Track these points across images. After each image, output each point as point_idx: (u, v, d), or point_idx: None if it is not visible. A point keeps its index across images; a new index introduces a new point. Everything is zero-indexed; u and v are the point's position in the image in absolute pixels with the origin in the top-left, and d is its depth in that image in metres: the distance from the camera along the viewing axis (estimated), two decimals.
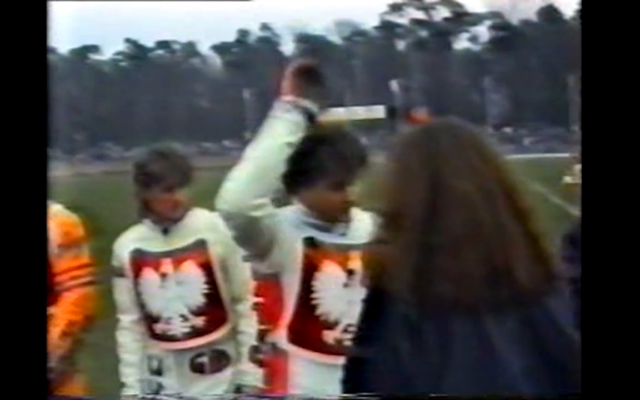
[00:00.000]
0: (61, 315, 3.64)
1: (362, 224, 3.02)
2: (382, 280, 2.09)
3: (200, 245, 3.73)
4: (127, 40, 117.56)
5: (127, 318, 3.85)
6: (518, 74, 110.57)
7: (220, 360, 3.78)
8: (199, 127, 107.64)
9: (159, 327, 3.75)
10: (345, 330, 2.98)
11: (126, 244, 3.83)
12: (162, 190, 3.64)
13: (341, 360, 2.35)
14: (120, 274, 3.83)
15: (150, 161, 3.66)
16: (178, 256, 3.73)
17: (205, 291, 3.74)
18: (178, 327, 3.72)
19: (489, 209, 2.08)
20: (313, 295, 3.03)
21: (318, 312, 3.03)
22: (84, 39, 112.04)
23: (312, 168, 3.00)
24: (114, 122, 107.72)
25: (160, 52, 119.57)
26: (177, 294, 3.72)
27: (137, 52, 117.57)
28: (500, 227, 2.08)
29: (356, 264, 2.98)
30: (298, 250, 3.00)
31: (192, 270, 3.73)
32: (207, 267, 3.73)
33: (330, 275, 3.06)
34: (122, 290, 3.83)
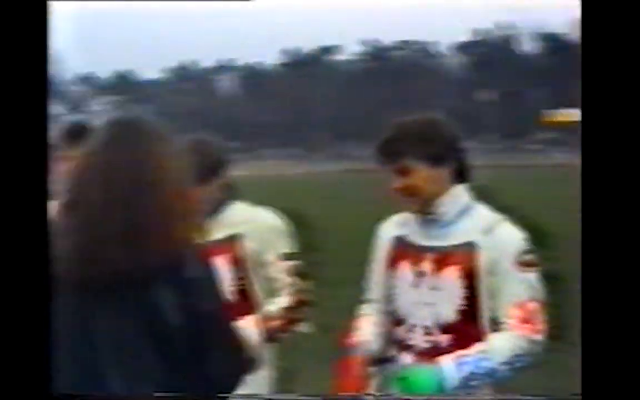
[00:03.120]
0: None
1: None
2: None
3: (234, 239, 3.68)
4: (365, 41, 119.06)
5: None
6: None
7: (249, 362, 3.52)
8: None
9: None
10: None
11: None
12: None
13: None
14: None
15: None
16: (212, 249, 3.44)
17: (235, 287, 3.65)
18: None
19: (108, 200, 2.26)
20: None
21: None
22: (322, 40, 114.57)
23: None
24: (354, 121, 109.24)
25: (398, 52, 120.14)
26: None
27: (375, 51, 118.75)
28: (112, 216, 2.24)
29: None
30: None
31: (223, 265, 3.59)
32: (238, 262, 3.68)
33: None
34: None
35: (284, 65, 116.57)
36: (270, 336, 3.60)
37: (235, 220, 3.69)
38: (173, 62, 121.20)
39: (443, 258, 3.07)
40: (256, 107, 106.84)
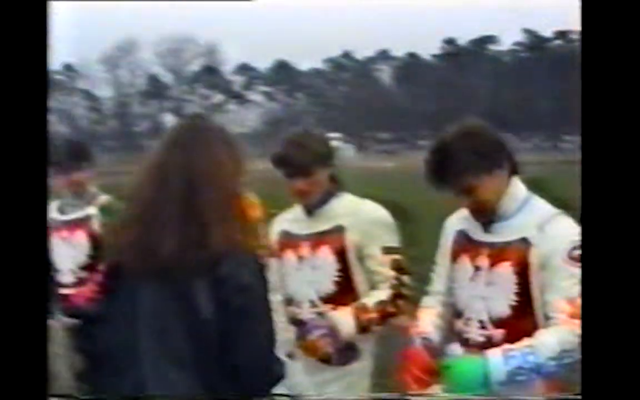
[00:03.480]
0: None
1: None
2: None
3: (338, 231, 3.73)
4: (525, 31, 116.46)
5: None
6: None
7: (347, 353, 3.71)
8: None
9: (290, 311, 3.80)
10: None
11: (278, 223, 3.97)
12: (286, 175, 3.71)
13: None
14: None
15: (283, 147, 3.71)
16: (317, 239, 3.76)
17: (337, 278, 3.71)
18: (305, 313, 3.73)
19: (159, 196, 2.43)
20: None
21: None
22: (480, 30, 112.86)
23: None
24: (513, 113, 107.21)
25: (558, 42, 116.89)
26: (310, 279, 3.74)
27: (535, 42, 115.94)
28: (160, 211, 2.41)
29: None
30: None
31: (327, 256, 3.73)
32: (341, 254, 3.72)
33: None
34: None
35: (442, 55, 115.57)
36: (365, 328, 3.71)
37: (340, 211, 3.77)
38: (331, 52, 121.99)
39: (498, 253, 3.10)
40: (414, 97, 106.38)
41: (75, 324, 2.92)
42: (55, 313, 4.29)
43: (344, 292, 3.75)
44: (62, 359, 2.84)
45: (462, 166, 3.01)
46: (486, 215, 3.14)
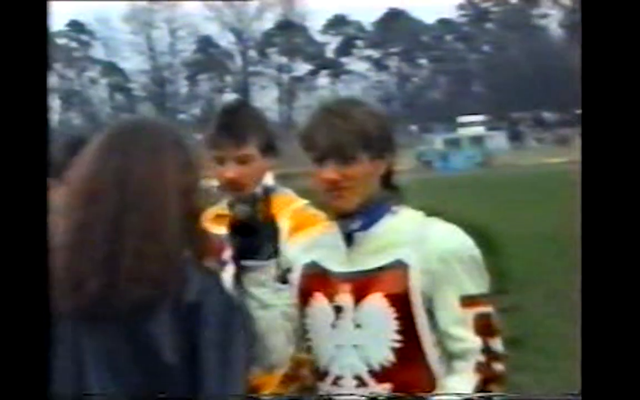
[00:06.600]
0: None
1: None
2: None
3: (396, 267, 3.35)
4: None
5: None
6: None
7: None
8: None
9: (326, 391, 3.43)
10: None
11: (305, 251, 3.65)
12: (314, 159, 3.38)
13: None
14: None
15: (314, 117, 3.44)
16: (363, 280, 3.40)
17: (397, 344, 3.35)
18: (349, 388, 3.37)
19: (89, 216, 2.89)
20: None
21: None
22: None
23: None
24: None
25: None
26: (354, 342, 3.38)
27: None
28: (115, 245, 2.83)
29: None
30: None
31: (379, 307, 3.36)
32: (402, 305, 3.33)
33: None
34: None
35: None
36: None
37: (398, 237, 3.41)
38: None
39: None
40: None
41: None
42: None
43: (409, 365, 3.36)
44: None
45: None
46: None
